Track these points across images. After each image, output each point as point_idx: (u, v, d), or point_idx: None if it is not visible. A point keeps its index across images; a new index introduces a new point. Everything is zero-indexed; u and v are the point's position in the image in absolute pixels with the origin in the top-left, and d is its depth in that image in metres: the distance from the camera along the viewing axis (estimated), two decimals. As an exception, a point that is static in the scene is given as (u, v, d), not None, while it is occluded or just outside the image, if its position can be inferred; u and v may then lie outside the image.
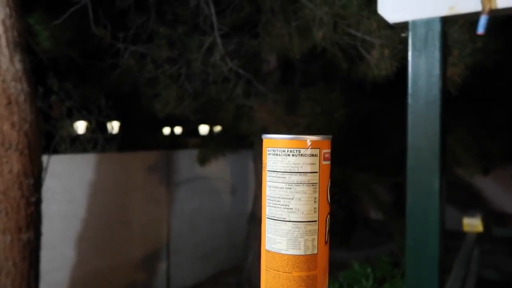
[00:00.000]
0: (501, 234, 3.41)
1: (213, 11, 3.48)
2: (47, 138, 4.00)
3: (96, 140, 5.06)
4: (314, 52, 2.71)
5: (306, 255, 0.47)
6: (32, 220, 2.75)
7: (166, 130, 10.49)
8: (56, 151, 4.18)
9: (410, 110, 1.38)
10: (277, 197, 0.47)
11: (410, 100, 1.37)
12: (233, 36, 4.05)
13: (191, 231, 5.29)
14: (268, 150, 0.48)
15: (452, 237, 2.89)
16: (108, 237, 4.32)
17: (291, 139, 0.47)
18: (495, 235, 3.30)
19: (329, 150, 0.49)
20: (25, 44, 2.61)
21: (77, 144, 4.87)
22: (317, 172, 0.47)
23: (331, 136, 0.49)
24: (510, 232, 3.75)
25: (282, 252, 0.47)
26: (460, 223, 3.12)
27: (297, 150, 0.47)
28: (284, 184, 0.47)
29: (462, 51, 2.03)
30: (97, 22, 3.55)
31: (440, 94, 1.34)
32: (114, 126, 5.48)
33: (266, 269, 0.48)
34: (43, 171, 2.93)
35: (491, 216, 6.28)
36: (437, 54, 1.33)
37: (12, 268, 2.68)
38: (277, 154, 0.47)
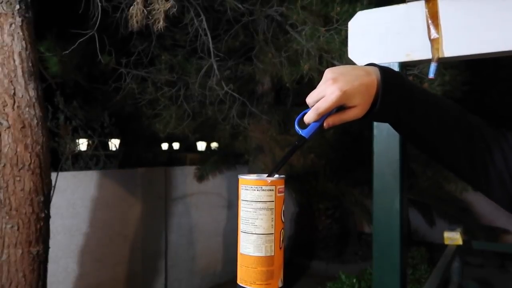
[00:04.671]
0: (479, 247, 3.63)
1: (210, 38, 3.76)
2: (52, 155, 4.22)
3: (98, 157, 5.29)
4: (303, 80, 2.97)
5: (266, 256, 0.70)
6: (41, 235, 2.94)
7: (165, 146, 10.73)
8: (61, 168, 4.41)
9: (375, 140, 1.63)
10: (247, 218, 0.71)
11: (375, 131, 1.62)
12: (229, 60, 4.33)
13: (188, 245, 5.48)
14: (242, 186, 0.72)
15: (441, 250, 3.11)
16: (109, 250, 4.50)
17: (256, 179, 0.71)
18: (475, 248, 3.52)
19: (282, 186, 0.73)
20: (38, 72, 2.85)
21: (79, 161, 5.10)
22: (273, 201, 0.71)
23: (284, 176, 0.73)
24: (488, 245, 3.97)
25: (250, 254, 0.71)
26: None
27: (260, 187, 0.71)
28: (251, 209, 0.71)
29: (431, 84, 2.28)
30: (102, 49, 3.82)
31: (399, 127, 1.58)
32: (115, 144, 5.71)
33: (240, 266, 0.72)
34: (51, 189, 3.16)
35: (482, 231, 6.46)
36: (396, 93, 1.59)
37: (22, 279, 2.86)
38: (247, 189, 0.71)
